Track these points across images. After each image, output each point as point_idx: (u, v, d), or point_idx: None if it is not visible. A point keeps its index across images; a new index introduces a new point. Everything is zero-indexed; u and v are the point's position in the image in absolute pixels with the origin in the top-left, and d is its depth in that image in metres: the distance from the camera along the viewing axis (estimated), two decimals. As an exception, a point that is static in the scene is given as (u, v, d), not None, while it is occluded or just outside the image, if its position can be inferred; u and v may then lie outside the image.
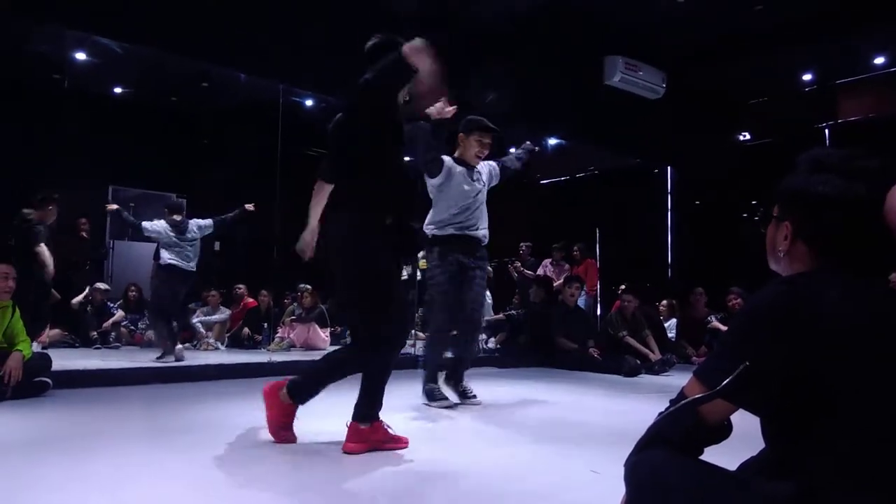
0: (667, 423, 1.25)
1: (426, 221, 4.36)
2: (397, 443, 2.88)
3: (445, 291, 4.26)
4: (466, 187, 4.32)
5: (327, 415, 2.99)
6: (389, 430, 2.89)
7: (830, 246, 1.23)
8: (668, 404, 1.27)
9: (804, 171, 1.27)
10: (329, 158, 3.06)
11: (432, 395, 4.23)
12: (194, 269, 6.71)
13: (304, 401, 2.89)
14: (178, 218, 6.66)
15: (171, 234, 6.58)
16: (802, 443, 1.14)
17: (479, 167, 4.45)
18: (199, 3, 5.45)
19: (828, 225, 1.22)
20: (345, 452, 2.74)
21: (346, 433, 2.80)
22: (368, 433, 2.81)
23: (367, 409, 2.84)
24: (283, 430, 2.90)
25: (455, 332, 4.50)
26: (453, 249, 4.26)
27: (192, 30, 5.78)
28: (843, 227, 1.20)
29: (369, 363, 2.86)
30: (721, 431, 1.25)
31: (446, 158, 4.30)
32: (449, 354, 4.55)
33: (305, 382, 2.89)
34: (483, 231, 4.41)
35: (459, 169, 4.33)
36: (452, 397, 4.32)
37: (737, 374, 1.12)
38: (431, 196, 4.38)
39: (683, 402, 1.21)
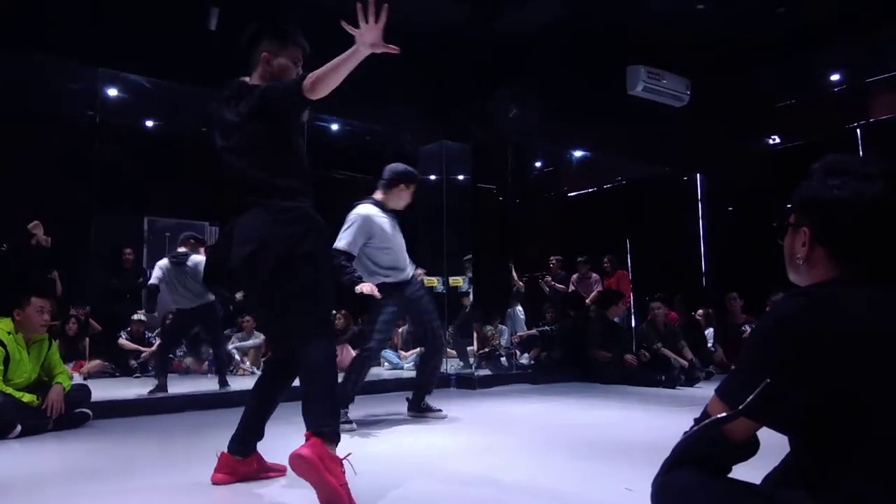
0: (692, 443, 1.23)
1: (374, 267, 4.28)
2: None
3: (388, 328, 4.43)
4: (393, 232, 4.31)
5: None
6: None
7: (850, 250, 1.21)
8: (692, 423, 1.26)
9: (819, 177, 1.26)
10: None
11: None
12: (208, 301, 6.25)
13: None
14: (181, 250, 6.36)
15: (170, 271, 6.24)
16: (831, 456, 1.11)
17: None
18: (224, 36, 5.60)
19: (845, 227, 1.21)
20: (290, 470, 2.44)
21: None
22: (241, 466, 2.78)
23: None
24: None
25: (423, 357, 4.62)
26: (395, 294, 4.27)
27: (217, 62, 5.92)
28: (860, 228, 1.19)
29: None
30: (748, 448, 1.23)
31: (365, 211, 4.19)
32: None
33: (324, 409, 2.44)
34: (410, 268, 4.44)
35: (384, 218, 4.28)
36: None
37: (757, 391, 1.10)
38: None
39: (706, 421, 1.20)
